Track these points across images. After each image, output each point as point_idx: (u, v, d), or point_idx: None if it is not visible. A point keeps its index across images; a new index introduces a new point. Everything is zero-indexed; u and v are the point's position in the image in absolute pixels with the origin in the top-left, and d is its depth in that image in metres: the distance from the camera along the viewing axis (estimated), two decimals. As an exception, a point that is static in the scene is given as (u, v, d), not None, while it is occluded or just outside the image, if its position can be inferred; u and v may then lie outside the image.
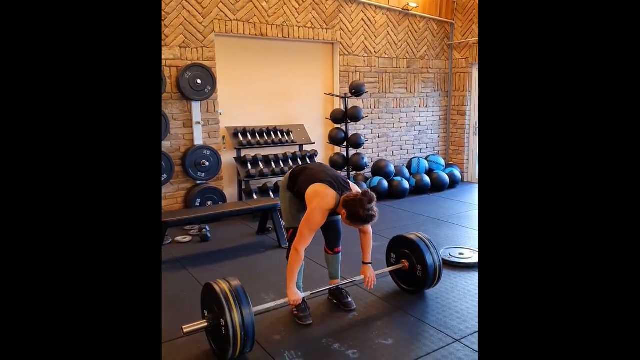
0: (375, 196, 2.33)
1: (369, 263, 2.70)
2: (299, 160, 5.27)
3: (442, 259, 3.42)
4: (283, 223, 2.77)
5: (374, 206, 2.31)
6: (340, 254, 2.79)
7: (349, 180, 2.56)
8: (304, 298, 2.60)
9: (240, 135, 5.04)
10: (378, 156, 6.36)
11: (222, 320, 2.09)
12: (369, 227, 2.59)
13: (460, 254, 3.57)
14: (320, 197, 2.36)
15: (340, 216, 2.54)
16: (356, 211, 2.27)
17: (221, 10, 4.79)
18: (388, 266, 3.01)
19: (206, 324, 2.20)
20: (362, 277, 2.71)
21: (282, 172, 4.99)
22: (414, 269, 2.85)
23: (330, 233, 2.73)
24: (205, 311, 2.28)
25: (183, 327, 2.15)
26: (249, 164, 4.97)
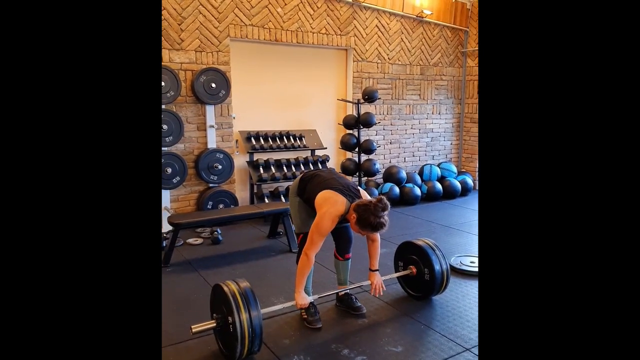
0: (389, 205, 2.29)
1: (377, 270, 2.70)
2: (310, 165, 5.28)
3: (454, 267, 3.41)
4: (293, 227, 2.78)
5: (386, 215, 2.28)
6: (349, 260, 2.79)
7: (359, 188, 2.55)
8: (313, 302, 2.61)
9: (253, 139, 5.07)
10: (390, 162, 6.35)
11: (229, 319, 2.10)
12: (377, 235, 2.58)
13: (472, 262, 3.54)
14: (330, 204, 2.36)
15: None
16: (367, 217, 2.26)
17: (237, 16, 4.84)
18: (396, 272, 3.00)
19: (214, 324, 2.22)
20: (369, 282, 2.71)
21: (294, 177, 5.01)
22: (421, 275, 2.84)
23: (341, 239, 2.73)
24: (214, 314, 2.29)
25: (192, 327, 2.17)
26: (261, 168, 5.00)
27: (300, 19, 5.24)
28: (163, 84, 4.40)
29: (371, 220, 2.25)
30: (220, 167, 4.81)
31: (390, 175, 5.90)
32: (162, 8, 4.41)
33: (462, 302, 2.90)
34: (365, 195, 2.48)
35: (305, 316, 2.63)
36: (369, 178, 5.79)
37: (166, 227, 4.28)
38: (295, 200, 2.66)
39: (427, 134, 6.71)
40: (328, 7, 5.43)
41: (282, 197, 5.00)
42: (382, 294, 2.71)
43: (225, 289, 2.17)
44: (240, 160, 5.18)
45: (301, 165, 5.25)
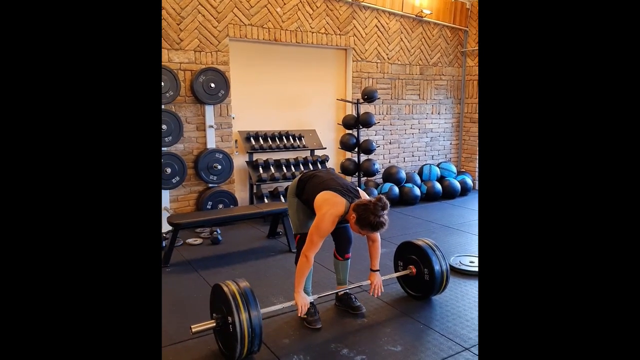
0: (389, 204, 2.29)
1: (377, 270, 2.70)
2: (310, 165, 5.29)
3: (453, 267, 3.41)
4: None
5: (386, 214, 2.27)
6: (349, 260, 2.79)
7: (358, 188, 2.55)
8: (313, 302, 2.61)
9: (252, 139, 5.07)
10: (389, 162, 6.35)
11: (229, 319, 2.11)
12: (377, 235, 2.57)
13: (471, 262, 3.55)
14: (330, 204, 2.35)
15: None
16: (367, 216, 2.25)
17: (236, 15, 4.84)
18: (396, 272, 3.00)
19: (214, 324, 2.22)
20: (369, 282, 2.71)
21: (294, 177, 5.01)
22: (421, 274, 2.84)
23: (341, 239, 2.72)
24: (214, 314, 2.29)
25: (192, 326, 2.17)
26: (260, 168, 5.00)
27: (299, 18, 5.24)
28: (162, 84, 4.40)
29: (371, 219, 2.25)
30: (219, 167, 4.81)
31: (390, 175, 5.90)
32: (162, 8, 4.41)
33: (462, 302, 2.91)
34: (364, 196, 2.48)
35: (305, 316, 2.62)
36: (369, 178, 5.79)
37: (166, 227, 4.27)
38: (293, 201, 2.66)
39: (427, 134, 6.72)
40: (327, 6, 5.43)
41: (282, 197, 5.00)
42: (380, 294, 2.71)
43: (225, 289, 2.17)
44: (239, 161, 5.18)
45: (300, 166, 5.25)
